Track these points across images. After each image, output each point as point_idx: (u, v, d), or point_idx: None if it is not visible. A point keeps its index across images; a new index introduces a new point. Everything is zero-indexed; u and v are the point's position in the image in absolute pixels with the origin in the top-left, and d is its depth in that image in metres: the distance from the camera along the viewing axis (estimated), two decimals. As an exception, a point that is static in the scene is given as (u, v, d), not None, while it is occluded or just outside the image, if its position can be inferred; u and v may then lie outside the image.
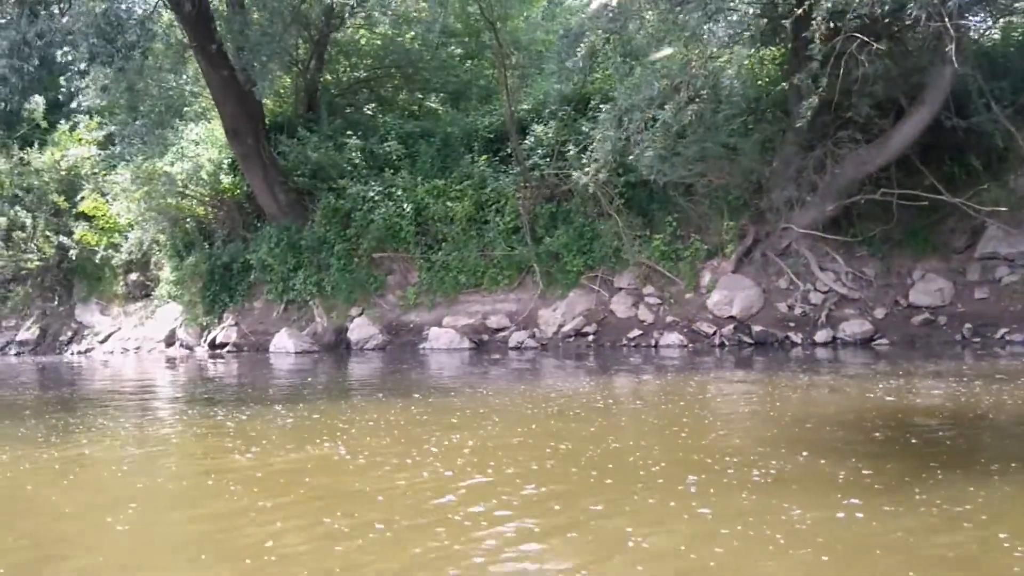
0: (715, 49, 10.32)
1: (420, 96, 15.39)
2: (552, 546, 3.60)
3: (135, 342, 15.63)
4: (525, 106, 13.86)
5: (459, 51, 15.80)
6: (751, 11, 10.61)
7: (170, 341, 15.17)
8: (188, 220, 15.19)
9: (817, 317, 11.23)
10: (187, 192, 14.94)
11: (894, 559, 3.30)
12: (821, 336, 11.02)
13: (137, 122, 12.01)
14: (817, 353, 10.56)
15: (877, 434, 5.59)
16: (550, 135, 12.94)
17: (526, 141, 13.15)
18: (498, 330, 12.60)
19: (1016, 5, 11.44)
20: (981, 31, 11.69)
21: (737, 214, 12.01)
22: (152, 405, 8.67)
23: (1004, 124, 10.57)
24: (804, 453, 5.05)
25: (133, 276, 16.62)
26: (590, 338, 12.05)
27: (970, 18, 10.39)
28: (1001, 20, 11.92)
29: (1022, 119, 10.93)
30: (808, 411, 6.78)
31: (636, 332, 11.85)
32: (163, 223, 15.14)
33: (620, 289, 12.33)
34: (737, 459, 4.99)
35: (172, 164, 14.85)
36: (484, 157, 13.46)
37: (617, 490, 4.39)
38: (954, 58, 9.63)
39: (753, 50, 11.94)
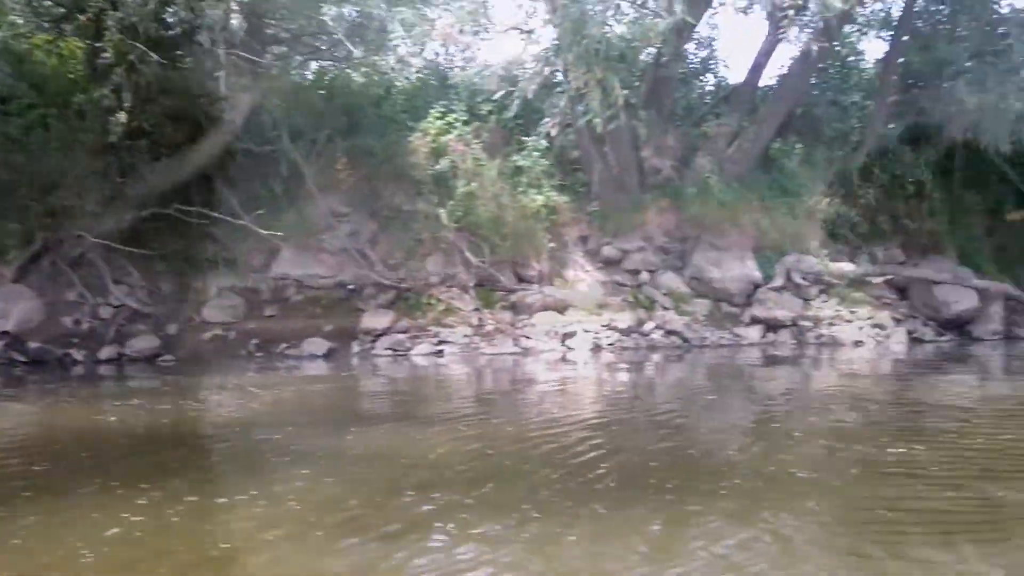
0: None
1: None
2: None
3: None
4: None
5: None
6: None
7: None
8: None
9: (106, 333, 10.64)
10: None
11: None
12: (106, 353, 10.43)
13: None
14: (100, 371, 9.95)
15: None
16: None
17: None
18: None
19: (323, 50, 12.91)
20: (292, 68, 12.80)
21: (24, 215, 10.65)
22: None
23: (292, 155, 11.62)
24: None
25: None
26: None
27: (251, 54, 10.88)
28: (316, 63, 13.29)
29: (316, 153, 12.23)
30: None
31: None
32: None
33: None
34: None
35: None
36: None
37: None
38: (222, 85, 10.10)
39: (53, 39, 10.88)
